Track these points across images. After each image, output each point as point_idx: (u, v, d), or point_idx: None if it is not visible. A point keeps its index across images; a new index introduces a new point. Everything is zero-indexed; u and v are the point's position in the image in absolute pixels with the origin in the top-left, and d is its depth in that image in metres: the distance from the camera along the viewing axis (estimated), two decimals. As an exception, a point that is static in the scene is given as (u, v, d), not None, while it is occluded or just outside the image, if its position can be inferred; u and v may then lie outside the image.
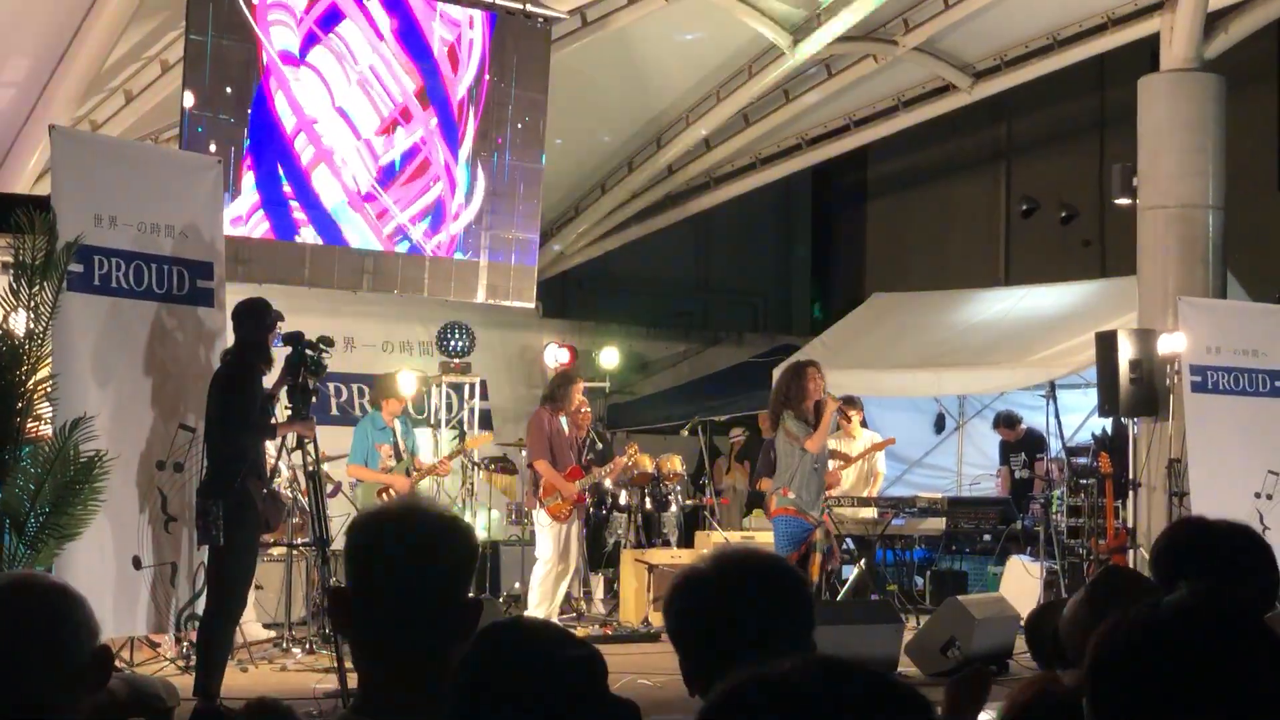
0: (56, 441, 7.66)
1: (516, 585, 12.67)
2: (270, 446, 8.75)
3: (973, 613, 9.70)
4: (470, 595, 2.29)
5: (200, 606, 8.36)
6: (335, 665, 8.45)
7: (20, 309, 7.80)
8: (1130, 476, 12.28)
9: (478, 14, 13.64)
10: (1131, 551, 11.77)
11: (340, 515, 10.81)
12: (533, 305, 14.94)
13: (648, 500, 13.28)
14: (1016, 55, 15.33)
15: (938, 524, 13.33)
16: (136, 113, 12.93)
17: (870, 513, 12.73)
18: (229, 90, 12.28)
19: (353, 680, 8.11)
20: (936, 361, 14.62)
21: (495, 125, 13.86)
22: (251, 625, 10.25)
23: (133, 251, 8.59)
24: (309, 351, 8.42)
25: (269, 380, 8.36)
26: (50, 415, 7.83)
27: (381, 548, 2.24)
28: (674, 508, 13.48)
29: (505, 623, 2.17)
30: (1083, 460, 12.82)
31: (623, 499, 13.14)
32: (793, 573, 2.55)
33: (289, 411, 8.54)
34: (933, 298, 16.53)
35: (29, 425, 7.74)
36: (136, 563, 8.40)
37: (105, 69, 12.16)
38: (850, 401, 12.37)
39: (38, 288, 7.75)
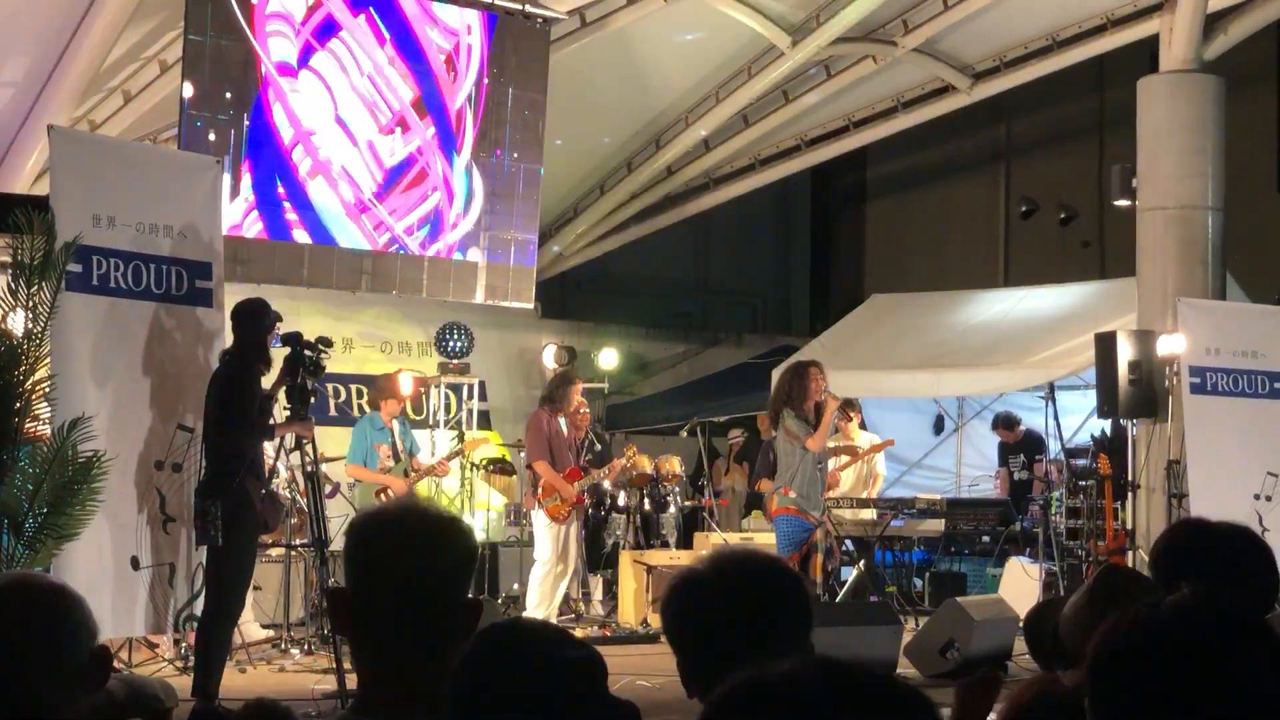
0: (55, 442, 7.65)
1: (515, 586, 12.66)
2: (269, 447, 8.74)
3: (972, 614, 9.70)
4: (469, 596, 2.29)
5: (198, 607, 8.35)
6: (334, 666, 8.45)
7: (19, 309, 7.79)
8: (1129, 478, 12.28)
9: (476, 21, 13.63)
10: (1130, 553, 11.77)
11: (339, 516, 10.81)
12: (531, 306, 14.94)
13: (646, 501, 13.27)
14: (1016, 56, 15.33)
15: (937, 525, 13.32)
16: (135, 113, 12.93)
17: (869, 514, 12.73)
18: (229, 94, 12.28)
19: (351, 681, 8.10)
20: (936, 363, 14.62)
21: (494, 125, 13.86)
22: (250, 626, 10.25)
23: (131, 251, 8.59)
24: (307, 352, 8.41)
25: (268, 381, 8.35)
26: (48, 415, 7.82)
27: (381, 548, 2.24)
28: (673, 509, 13.48)
29: (505, 624, 2.16)
30: (1082, 462, 12.81)
31: (621, 500, 13.13)
32: (791, 574, 2.55)
33: (287, 412, 8.53)
34: (932, 299, 16.53)
35: (27, 425, 7.73)
36: (135, 563, 8.40)
37: (104, 69, 12.16)
38: (848, 404, 12.37)
39: (36, 288, 7.75)
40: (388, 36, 13.22)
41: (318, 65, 12.89)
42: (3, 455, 7.61)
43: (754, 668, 1.43)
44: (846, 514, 12.39)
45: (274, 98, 12.65)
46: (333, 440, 11.99)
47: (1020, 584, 12.25)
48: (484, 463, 13.40)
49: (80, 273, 8.26)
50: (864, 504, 12.69)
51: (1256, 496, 11.48)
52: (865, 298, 17.46)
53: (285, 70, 12.70)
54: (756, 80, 15.31)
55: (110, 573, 8.26)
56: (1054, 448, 13.58)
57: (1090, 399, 13.03)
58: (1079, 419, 14.26)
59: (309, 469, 8.61)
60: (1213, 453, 11.68)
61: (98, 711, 2.27)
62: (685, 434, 15.58)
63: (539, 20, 13.76)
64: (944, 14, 14.53)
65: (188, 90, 11.91)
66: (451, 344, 14.17)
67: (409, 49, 13.35)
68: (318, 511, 8.61)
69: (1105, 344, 12.25)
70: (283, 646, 10.40)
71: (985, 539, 13.75)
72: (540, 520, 11.33)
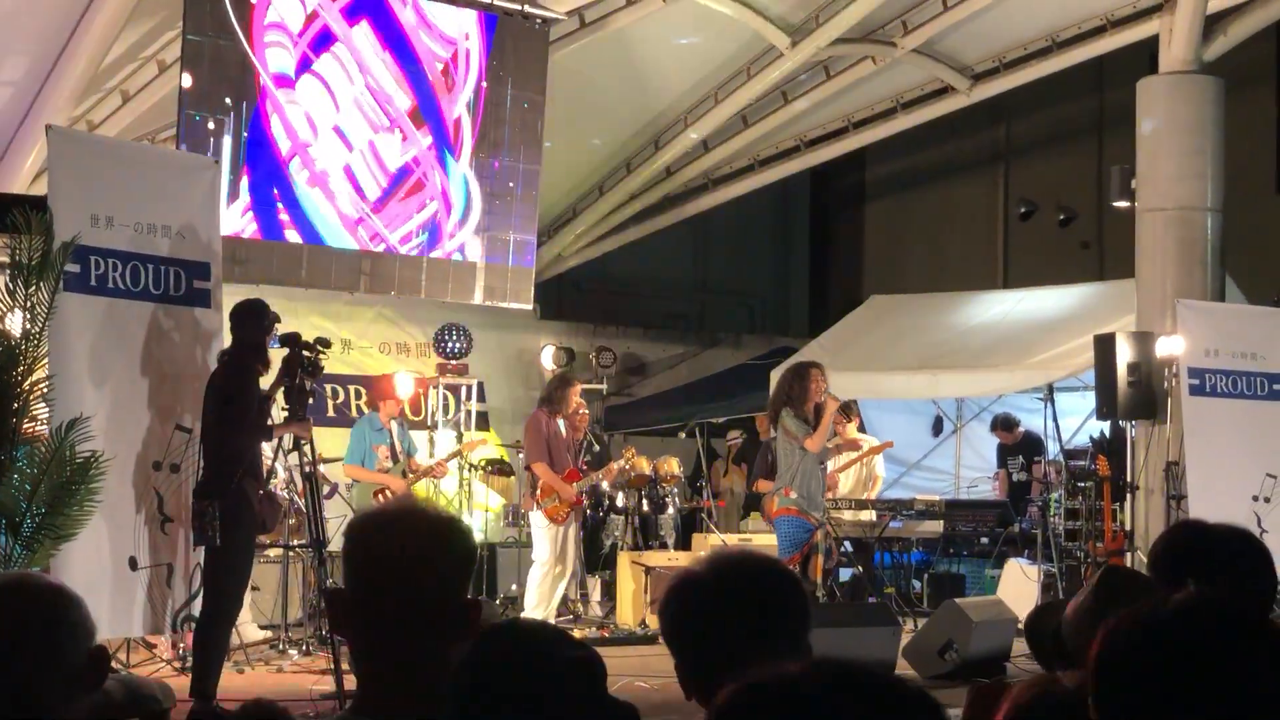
0: (53, 442, 7.64)
1: (513, 587, 12.66)
2: (267, 448, 8.74)
3: (970, 615, 9.69)
4: (468, 596, 2.28)
5: (196, 607, 8.35)
6: (332, 667, 8.44)
7: (17, 309, 7.78)
8: (1128, 479, 12.28)
9: (474, 28, 13.61)
10: (1129, 554, 11.77)
11: (337, 516, 10.80)
12: (530, 307, 14.93)
13: (645, 502, 13.27)
14: (1015, 57, 15.33)
15: (935, 526, 13.33)
16: (134, 113, 12.94)
17: (868, 515, 12.73)
18: (228, 99, 12.27)
19: (349, 682, 8.12)
20: (934, 364, 14.62)
21: (493, 126, 13.86)
22: (248, 627, 10.24)
23: (129, 252, 8.58)
24: (306, 353, 8.41)
25: (266, 381, 8.35)
26: (46, 416, 7.81)
27: (380, 549, 2.23)
28: (671, 510, 13.47)
29: (504, 624, 2.16)
30: (1081, 463, 12.81)
31: (620, 501, 13.13)
32: (789, 575, 2.54)
33: (285, 413, 8.53)
34: (931, 300, 16.53)
35: (25, 425, 7.73)
36: (133, 564, 8.39)
37: (102, 69, 12.15)
38: (846, 408, 12.36)
39: (34, 288, 7.74)
40: (384, 46, 13.22)
41: (315, 75, 12.89)
42: (1, 455, 7.60)
43: (761, 668, 1.43)
44: (846, 515, 12.39)
45: (271, 109, 12.65)
46: (331, 441, 11.99)
47: (1019, 585, 12.25)
48: (482, 463, 13.39)
49: (78, 273, 8.25)
50: (863, 505, 12.69)
51: (1255, 498, 11.48)
52: (864, 299, 17.46)
53: (283, 81, 12.70)
54: (756, 81, 15.30)
55: (108, 573, 8.25)
56: (1053, 449, 13.58)
57: (1089, 400, 13.03)
58: (1078, 420, 14.26)
59: (307, 470, 8.60)
60: (1211, 454, 11.68)
61: (96, 712, 2.26)
62: (684, 435, 15.58)
63: (538, 21, 13.76)
64: (943, 15, 14.53)
65: (186, 81, 11.89)
66: (450, 345, 14.17)
67: (406, 58, 13.35)
68: (316, 512, 8.60)
69: (1104, 345, 12.25)
70: (281, 647, 10.39)
71: (984, 540, 13.76)
72: (539, 521, 11.33)
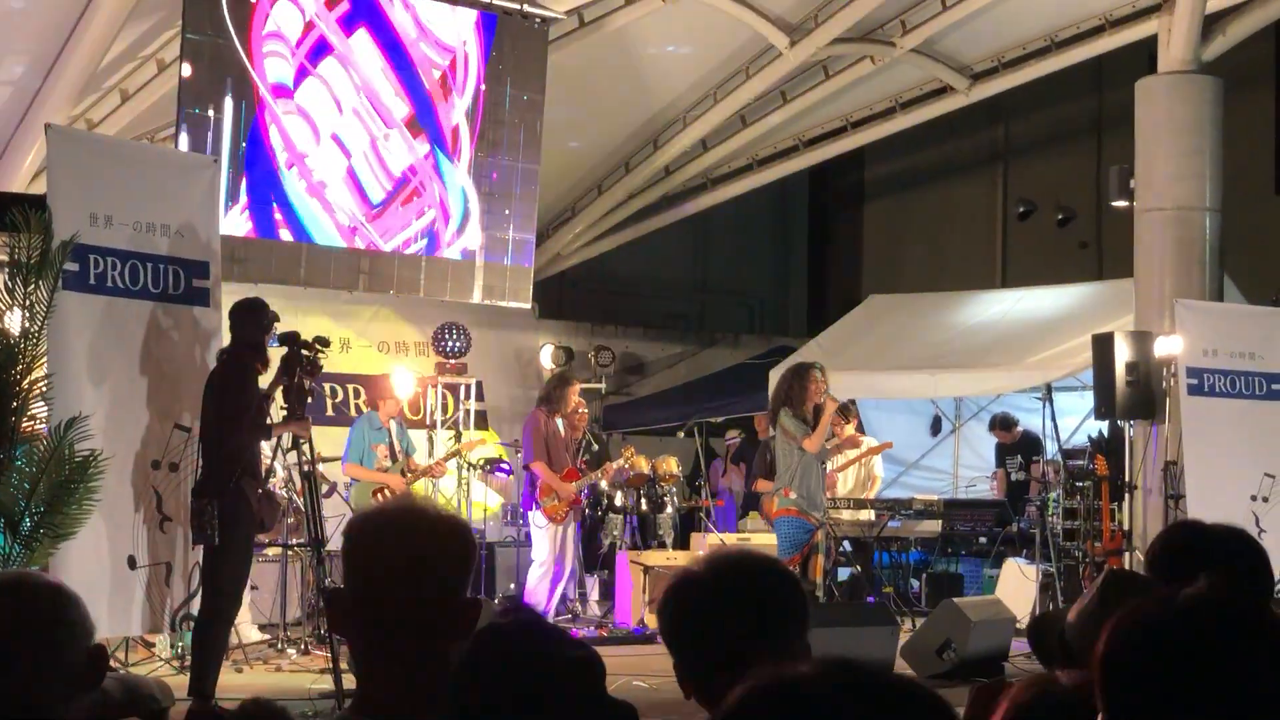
0: (51, 441, 7.64)
1: (511, 587, 12.66)
2: (266, 447, 8.74)
3: (968, 615, 9.70)
4: (468, 595, 2.28)
5: (195, 607, 8.35)
6: (330, 666, 8.44)
7: (15, 308, 7.78)
8: (1126, 479, 12.28)
9: (472, 35, 13.60)
10: (1127, 554, 11.78)
11: (335, 516, 10.80)
12: (529, 306, 14.93)
13: (643, 502, 13.27)
14: (1014, 57, 15.33)
15: (934, 526, 13.33)
16: (132, 112, 12.93)
17: (867, 515, 12.73)
18: (227, 98, 12.27)
19: (348, 681, 8.12)
20: (933, 363, 14.61)
21: (492, 126, 13.86)
22: (246, 626, 10.24)
23: (128, 250, 8.58)
24: (304, 351, 8.41)
25: (265, 380, 8.35)
26: (45, 414, 7.81)
27: (380, 548, 2.23)
28: (670, 509, 13.48)
29: (504, 624, 2.16)
30: (1079, 463, 12.81)
31: (618, 500, 13.13)
32: (787, 575, 2.54)
33: (284, 411, 8.53)
34: (929, 299, 16.53)
35: (24, 424, 7.73)
36: (131, 562, 8.39)
37: (101, 68, 12.15)
38: (844, 409, 12.36)
39: (33, 286, 7.74)
40: (382, 55, 13.21)
41: (313, 85, 12.88)
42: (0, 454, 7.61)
43: (770, 670, 1.43)
44: (844, 515, 12.39)
45: (269, 120, 12.65)
46: (329, 440, 11.98)
47: (1017, 585, 12.25)
48: (481, 463, 13.39)
49: (77, 271, 8.25)
50: (861, 505, 12.69)
51: (1253, 498, 11.48)
52: (863, 298, 17.46)
53: (281, 91, 12.70)
54: (755, 80, 15.30)
55: (107, 572, 8.25)
56: (1051, 449, 13.58)
57: (1087, 400, 13.03)
58: (1076, 420, 14.26)
59: (306, 469, 8.61)
60: (1210, 454, 11.68)
61: (94, 711, 2.26)
62: (682, 434, 15.58)
63: (537, 20, 13.76)
64: (942, 14, 14.53)
65: (186, 71, 11.88)
66: (449, 344, 14.17)
67: (403, 67, 13.35)
68: (314, 511, 8.61)
69: (1103, 345, 12.25)
70: (279, 646, 10.39)
71: (982, 540, 13.76)
72: (538, 521, 11.33)
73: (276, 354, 8.48)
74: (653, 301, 19.40)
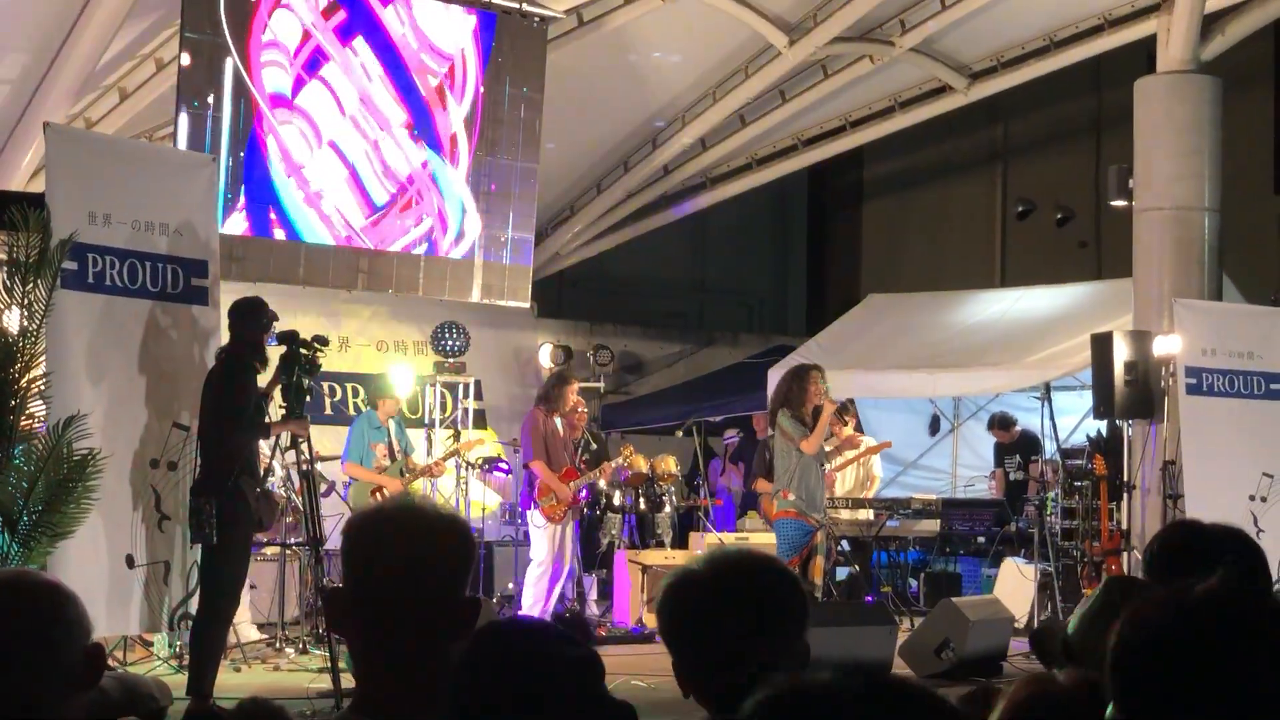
0: (50, 439, 7.64)
1: (510, 586, 12.66)
2: (264, 445, 8.73)
3: (967, 614, 9.70)
4: (468, 594, 2.28)
5: (193, 605, 8.35)
6: (329, 665, 8.44)
7: (14, 306, 7.78)
8: (1125, 479, 12.28)
9: (469, 42, 13.60)
10: (1125, 554, 11.78)
11: (333, 515, 10.80)
12: (528, 305, 14.93)
13: (642, 501, 13.27)
14: (1013, 56, 15.33)
15: (932, 526, 13.33)
16: (131, 110, 12.94)
17: (865, 514, 12.73)
18: (228, 101, 12.26)
19: (346, 680, 8.11)
20: (932, 363, 14.61)
21: (491, 125, 13.86)
22: (245, 625, 10.23)
23: (127, 249, 8.58)
24: (303, 350, 8.41)
25: (263, 379, 8.35)
26: (44, 413, 7.81)
27: (380, 547, 2.23)
28: (668, 508, 13.48)
29: (503, 622, 2.16)
30: (1077, 462, 12.81)
31: (617, 500, 13.13)
32: (787, 574, 2.54)
33: (283, 410, 8.53)
34: (928, 299, 16.53)
35: (23, 422, 7.72)
36: (130, 561, 8.38)
37: (100, 67, 12.15)
38: (843, 408, 12.37)
39: (32, 285, 7.74)
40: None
41: (311, 93, 12.88)
42: (-2, 453, 7.61)
43: (791, 677, 1.42)
44: (843, 514, 12.39)
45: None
46: (328, 439, 11.98)
47: (1015, 584, 12.26)
48: (479, 462, 13.39)
49: (76, 270, 8.24)
50: (860, 504, 12.69)
51: (1252, 497, 11.48)
52: (862, 297, 17.46)
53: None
54: (754, 80, 15.31)
55: (105, 571, 8.25)
56: (1050, 448, 13.59)
57: (1086, 399, 13.03)
58: (1075, 419, 14.26)
59: (304, 467, 8.61)
60: (1208, 454, 11.68)
61: (92, 710, 2.26)
62: (681, 434, 15.58)
63: (536, 19, 13.76)
64: (941, 14, 14.53)
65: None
66: (447, 343, 14.17)
67: (400, 76, 13.34)
68: (313, 510, 8.61)
69: (1101, 344, 12.25)
70: (277, 645, 10.39)
71: (980, 539, 13.76)
72: (536, 520, 11.33)
73: (275, 353, 8.48)
74: (651, 301, 19.41)
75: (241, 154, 12.44)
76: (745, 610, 2.37)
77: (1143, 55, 14.16)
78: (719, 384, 17.12)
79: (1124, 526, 12.07)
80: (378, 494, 11.16)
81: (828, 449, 11.00)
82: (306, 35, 12.77)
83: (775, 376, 12.33)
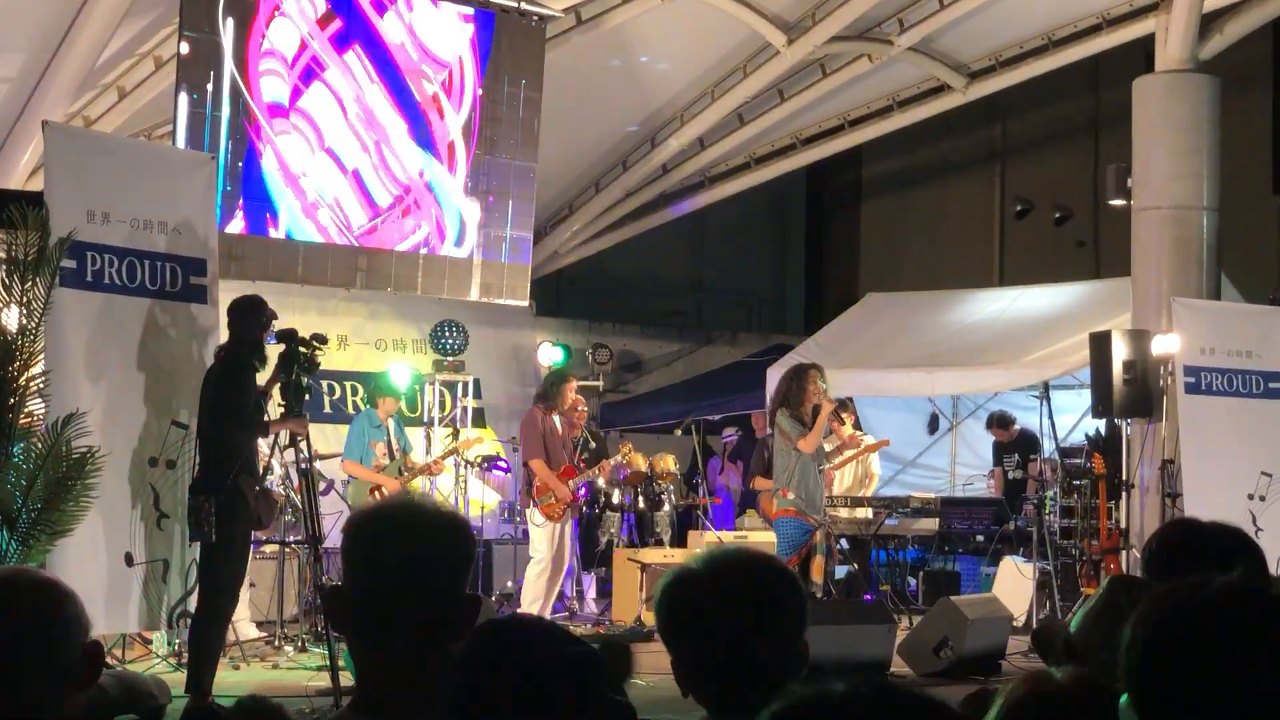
0: (49, 437, 7.64)
1: (509, 584, 12.66)
2: (263, 444, 8.73)
3: (965, 613, 9.70)
4: (467, 592, 2.28)
5: (192, 603, 8.35)
6: (328, 663, 8.44)
7: (13, 304, 7.78)
8: (1123, 477, 12.28)
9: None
10: (1124, 552, 11.78)
11: (332, 513, 10.81)
12: (526, 304, 14.93)
13: (641, 499, 13.27)
14: (1011, 56, 15.34)
15: (931, 524, 13.33)
16: (130, 109, 12.93)
17: (864, 513, 12.73)
18: (226, 105, 12.26)
19: (345, 678, 8.11)
20: (930, 362, 14.61)
21: (490, 124, 13.86)
22: (244, 624, 10.23)
23: (126, 248, 8.58)
24: (302, 349, 8.42)
25: (262, 378, 8.34)
26: (42, 411, 7.81)
27: (380, 545, 2.23)
28: (667, 507, 13.48)
29: (503, 620, 2.16)
30: (1076, 461, 12.81)
31: (616, 498, 13.13)
32: (785, 572, 2.54)
33: (282, 409, 8.53)
34: (927, 298, 16.53)
35: (22, 420, 7.72)
36: (128, 559, 8.39)
37: (98, 65, 12.14)
38: (843, 405, 12.37)
39: (30, 283, 7.74)
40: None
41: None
42: (-3, 451, 7.61)
43: (808, 688, 1.42)
44: (842, 513, 12.39)
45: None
46: (327, 437, 11.98)
47: (1014, 583, 12.26)
48: (478, 460, 13.39)
49: (75, 268, 8.24)
50: (859, 503, 12.69)
51: (1250, 496, 11.48)
52: (860, 296, 17.46)
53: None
54: (752, 79, 15.31)
55: (104, 569, 8.25)
56: (1048, 447, 13.59)
57: (1085, 398, 13.03)
58: (1073, 418, 14.26)
59: (303, 466, 8.61)
60: (1207, 453, 11.68)
61: (91, 708, 2.26)
62: (680, 432, 15.58)
63: (535, 18, 13.76)
64: (940, 13, 14.53)
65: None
66: (446, 341, 14.16)
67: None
68: (312, 508, 8.61)
69: (1100, 344, 12.25)
70: (276, 643, 10.39)
71: (979, 538, 13.76)
72: (535, 518, 11.33)
73: (274, 351, 8.48)
74: (650, 299, 19.41)
75: (240, 164, 12.44)
76: (744, 609, 2.37)
77: (1141, 54, 14.17)
78: (717, 383, 17.13)
79: (1122, 525, 12.07)
80: (376, 493, 11.16)
81: (828, 448, 11.00)
82: (303, 44, 12.77)
83: (774, 375, 12.34)
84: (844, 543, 12.43)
